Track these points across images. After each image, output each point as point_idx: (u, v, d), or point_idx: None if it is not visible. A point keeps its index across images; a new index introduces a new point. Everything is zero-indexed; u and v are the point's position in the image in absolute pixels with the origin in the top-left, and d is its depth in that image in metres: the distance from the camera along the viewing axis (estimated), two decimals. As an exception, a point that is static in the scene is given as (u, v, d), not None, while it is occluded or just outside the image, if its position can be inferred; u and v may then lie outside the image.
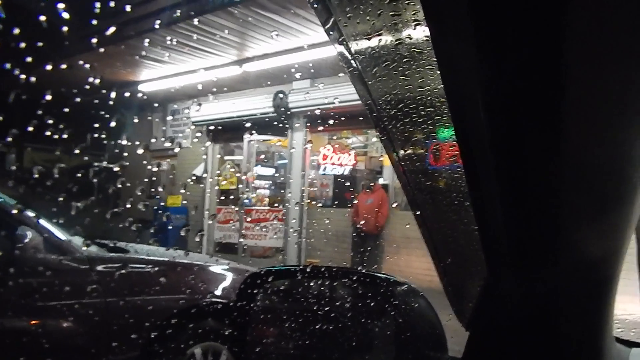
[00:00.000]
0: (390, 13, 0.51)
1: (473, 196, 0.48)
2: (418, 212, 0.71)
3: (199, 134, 10.75)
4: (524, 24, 0.34)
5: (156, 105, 11.34)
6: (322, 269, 0.82)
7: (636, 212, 0.45)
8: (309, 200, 9.21)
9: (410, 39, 0.52)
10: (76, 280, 2.31)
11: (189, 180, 10.84)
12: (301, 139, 9.16)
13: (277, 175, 10.53)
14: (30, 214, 2.26)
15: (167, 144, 11.23)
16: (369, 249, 7.89)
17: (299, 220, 9.03)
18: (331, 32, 0.55)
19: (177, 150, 11.34)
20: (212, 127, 10.38)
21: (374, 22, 0.53)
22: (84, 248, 2.47)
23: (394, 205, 8.27)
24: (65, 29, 8.22)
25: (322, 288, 0.88)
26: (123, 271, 2.51)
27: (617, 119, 0.38)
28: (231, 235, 10.10)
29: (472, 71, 0.38)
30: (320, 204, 9.26)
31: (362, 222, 7.86)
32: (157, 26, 6.85)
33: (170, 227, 9.99)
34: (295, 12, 6.09)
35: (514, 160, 0.41)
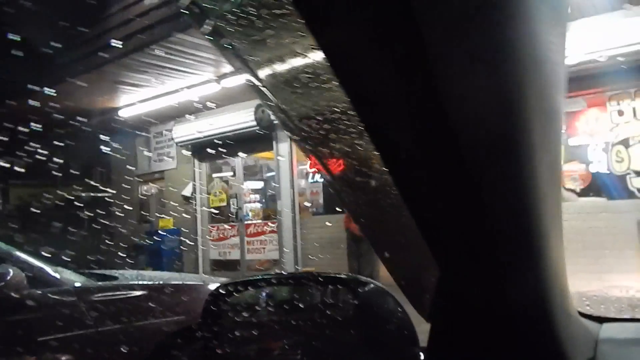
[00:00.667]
0: (289, 41, 0.53)
1: (406, 200, 0.50)
2: (359, 217, 0.73)
3: (186, 153, 10.71)
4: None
5: (134, 131, 11.30)
6: (286, 276, 0.81)
7: (553, 201, 0.49)
8: (301, 210, 9.20)
9: (314, 61, 0.54)
10: (65, 312, 2.27)
11: (176, 203, 10.78)
12: (287, 149, 9.15)
13: (266, 188, 10.51)
14: (12, 250, 2.22)
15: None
16: (364, 253, 7.87)
17: (292, 230, 9.01)
18: (236, 64, 0.58)
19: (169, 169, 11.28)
20: (197, 146, 10.35)
21: (276, 50, 0.55)
22: (72, 279, 2.43)
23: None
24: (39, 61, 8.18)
25: (288, 295, 0.88)
26: (113, 299, 2.48)
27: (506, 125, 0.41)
28: (227, 252, 10.04)
29: (366, 88, 0.41)
30: (312, 212, 9.24)
31: (356, 227, 7.85)
32: (120, 47, 6.84)
33: (164, 250, 9.92)
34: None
35: (435, 171, 0.43)
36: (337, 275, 0.75)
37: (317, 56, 0.53)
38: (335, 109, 0.58)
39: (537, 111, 0.43)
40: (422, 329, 0.64)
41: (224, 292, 0.84)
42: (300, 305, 0.85)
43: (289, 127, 0.62)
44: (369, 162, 0.61)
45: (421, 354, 0.68)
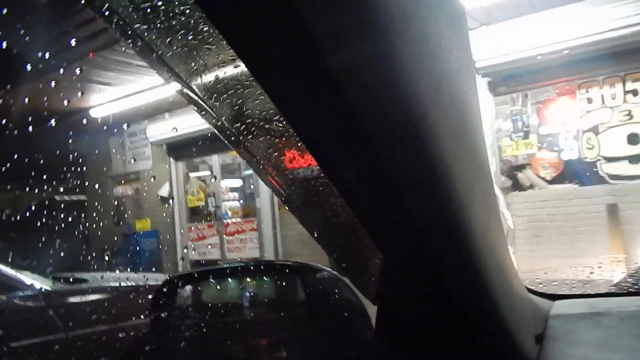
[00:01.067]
0: (213, 53, 0.56)
1: (341, 195, 0.51)
2: (296, 212, 0.74)
3: (161, 153, 10.54)
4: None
5: (107, 131, 11.08)
6: (235, 266, 0.80)
7: (481, 189, 0.51)
8: (280, 207, 9.15)
9: (238, 69, 0.56)
10: (31, 317, 2.20)
11: (153, 203, 10.62)
12: (264, 145, 9.10)
13: (245, 186, 10.43)
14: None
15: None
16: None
17: (272, 227, 8.97)
18: (162, 73, 0.59)
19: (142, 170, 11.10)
20: (172, 145, 10.20)
21: (203, 60, 0.57)
22: (42, 284, 2.35)
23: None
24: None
25: (239, 286, 0.87)
26: (84, 302, 2.41)
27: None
28: (206, 252, 9.95)
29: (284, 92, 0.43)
30: (291, 209, 9.21)
31: None
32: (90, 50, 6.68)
33: (142, 252, 9.78)
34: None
35: (354, 168, 0.45)
36: (286, 263, 0.74)
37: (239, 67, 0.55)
38: (265, 113, 0.60)
39: (440, 105, 0.46)
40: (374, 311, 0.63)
41: (171, 285, 0.82)
42: (248, 296, 0.85)
43: (225, 134, 0.64)
44: (307, 161, 0.63)
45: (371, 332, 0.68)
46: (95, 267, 8.44)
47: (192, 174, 10.57)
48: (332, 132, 0.44)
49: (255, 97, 0.58)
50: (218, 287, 0.84)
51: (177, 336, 0.86)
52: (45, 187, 14.99)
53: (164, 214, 10.43)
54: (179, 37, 0.55)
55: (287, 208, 0.72)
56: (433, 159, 0.46)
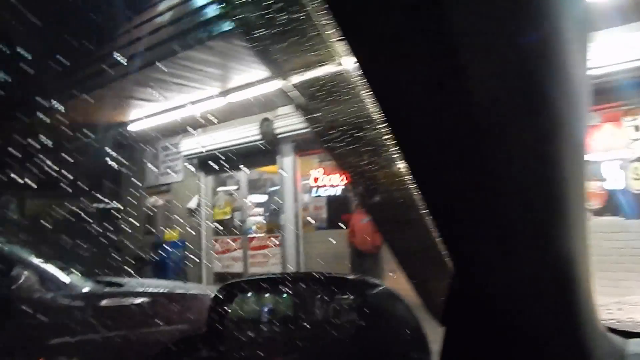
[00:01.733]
0: (321, 46, 0.54)
1: (428, 205, 0.50)
2: (378, 225, 0.73)
3: (191, 167, 10.86)
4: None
5: (142, 145, 11.48)
6: (293, 276, 0.82)
7: (579, 208, 0.47)
8: (304, 224, 9.26)
9: (348, 67, 0.55)
10: (73, 317, 2.38)
11: (182, 215, 10.91)
12: (290, 163, 9.27)
13: (270, 201, 10.61)
14: (26, 255, 2.35)
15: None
16: (368, 268, 7.89)
17: (295, 244, 9.07)
18: (272, 70, 0.60)
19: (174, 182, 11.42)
20: (202, 160, 10.50)
21: (311, 56, 0.55)
22: (81, 285, 2.55)
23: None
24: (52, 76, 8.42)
25: (295, 295, 0.89)
26: (120, 305, 2.58)
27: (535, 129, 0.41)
28: (230, 265, 10.12)
29: (390, 98, 0.41)
30: (315, 227, 9.30)
31: (359, 241, 7.89)
32: (139, 66, 7.04)
33: (169, 262, 10.02)
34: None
35: (458, 173, 0.43)
36: (344, 276, 0.76)
37: (347, 63, 0.55)
38: (361, 118, 0.59)
39: (562, 114, 0.43)
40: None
41: (228, 291, 0.89)
42: (305, 307, 0.88)
43: (318, 134, 0.63)
44: (392, 170, 0.63)
45: None
46: (126, 274, 8.70)
47: (219, 188, 10.83)
48: (441, 137, 0.42)
49: (355, 103, 0.58)
50: (274, 295, 0.89)
51: (231, 344, 0.90)
52: (81, 197, 15.52)
53: (192, 227, 10.69)
54: (289, 35, 0.54)
55: (369, 217, 0.72)
56: (547, 177, 0.43)
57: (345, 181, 9.03)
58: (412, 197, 0.64)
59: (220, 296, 0.89)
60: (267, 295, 0.96)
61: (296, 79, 0.62)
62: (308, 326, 0.89)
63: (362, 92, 0.59)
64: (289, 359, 0.88)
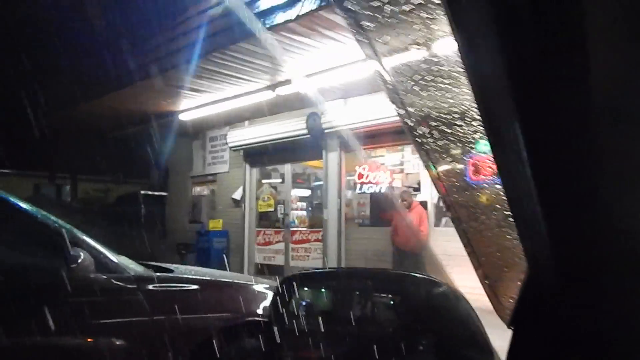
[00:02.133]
0: (422, 28, 0.51)
1: (510, 196, 0.48)
2: (457, 222, 0.71)
3: (237, 158, 11.02)
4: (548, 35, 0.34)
5: (192, 134, 11.73)
6: (358, 270, 0.81)
7: None
8: (347, 220, 9.22)
9: (443, 53, 0.53)
10: (125, 298, 2.43)
11: (226, 205, 11.09)
12: (336, 159, 9.23)
13: (313, 196, 10.63)
14: (83, 236, 2.41)
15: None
16: (409, 267, 7.78)
17: (337, 240, 9.04)
18: (366, 50, 0.57)
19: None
20: (249, 152, 10.63)
21: (407, 37, 0.53)
22: (133, 268, 2.59)
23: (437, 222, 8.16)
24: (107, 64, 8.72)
25: (358, 290, 0.87)
26: (168, 290, 2.62)
27: None
28: (271, 257, 10.22)
29: (503, 84, 0.38)
30: (358, 223, 9.24)
31: (402, 240, 7.78)
32: (193, 58, 7.16)
33: (212, 250, 10.23)
34: (323, 34, 6.24)
35: (551, 165, 0.42)
36: (409, 274, 0.76)
37: (442, 50, 0.52)
38: (454, 111, 0.57)
39: None
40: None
41: (291, 282, 0.87)
42: (367, 303, 0.86)
43: (407, 124, 0.61)
44: (479, 166, 0.61)
45: None
46: (171, 260, 8.92)
47: (264, 181, 10.94)
48: (545, 137, 0.40)
49: (454, 89, 0.55)
50: (336, 289, 0.86)
51: (292, 336, 0.88)
52: (131, 182, 16.15)
53: (235, 217, 10.87)
54: (384, 10, 0.52)
55: (449, 215, 0.71)
56: None
57: (390, 179, 8.95)
58: (495, 197, 0.61)
59: (283, 287, 0.86)
60: (329, 289, 0.93)
61: (393, 62, 0.58)
62: (370, 322, 0.86)
63: (461, 83, 0.55)
64: (350, 354, 0.85)
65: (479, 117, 0.55)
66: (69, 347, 2.26)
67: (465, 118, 0.58)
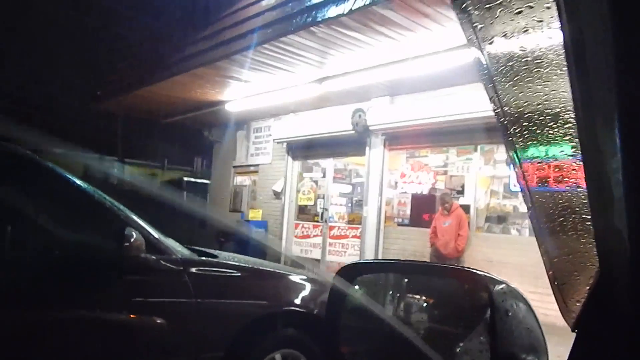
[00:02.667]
0: (529, 13, 0.48)
1: (594, 202, 0.47)
2: (536, 223, 0.69)
3: (280, 150, 11.11)
4: None
5: (237, 125, 11.91)
6: (418, 264, 0.80)
7: None
8: (386, 219, 9.15)
9: (545, 48, 0.50)
10: (172, 280, 2.49)
11: (267, 196, 11.21)
12: (379, 156, 9.15)
13: (353, 192, 10.60)
14: (135, 217, 2.48)
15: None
16: (447, 270, 7.63)
17: (375, 237, 8.99)
18: (468, 34, 0.54)
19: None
20: (292, 145, 10.70)
21: (511, 22, 0.50)
22: (180, 250, 2.65)
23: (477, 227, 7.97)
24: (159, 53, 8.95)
25: (415, 286, 0.86)
26: (212, 274, 2.67)
27: None
28: (308, 250, 10.27)
29: (610, 81, 0.36)
30: (397, 223, 9.16)
31: (440, 243, 7.66)
32: (243, 49, 7.25)
33: (251, 240, 10.38)
34: (375, 30, 6.18)
35: None
36: (470, 270, 0.74)
37: (545, 40, 0.49)
38: (547, 111, 0.55)
39: None
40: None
41: (353, 269, 0.87)
42: (427, 298, 0.85)
43: (499, 116, 0.59)
44: (566, 168, 0.59)
45: None
46: (211, 247, 9.12)
47: (305, 174, 10.99)
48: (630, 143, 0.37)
49: (556, 83, 0.52)
50: (395, 282, 0.86)
51: (349, 328, 0.88)
52: (175, 169, 16.62)
53: (275, 208, 10.98)
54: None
55: (528, 213, 0.69)
56: None
57: (433, 180, 8.81)
58: (575, 201, 0.60)
59: (341, 277, 0.85)
60: (387, 281, 0.92)
61: (491, 48, 0.55)
62: (428, 318, 0.85)
63: (558, 82, 0.51)
64: (407, 348, 0.84)
65: (570, 120, 0.53)
66: (118, 323, 2.34)
67: (558, 120, 0.55)
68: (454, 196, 8.54)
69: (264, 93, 9.26)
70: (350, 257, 9.44)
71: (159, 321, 2.46)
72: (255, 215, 11.11)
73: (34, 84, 13.28)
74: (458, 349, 0.77)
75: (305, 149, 10.51)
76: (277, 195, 10.98)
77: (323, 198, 10.38)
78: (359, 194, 10.05)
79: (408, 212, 9.02)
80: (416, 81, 7.70)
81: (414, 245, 8.55)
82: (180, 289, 2.49)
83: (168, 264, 2.48)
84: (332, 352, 0.85)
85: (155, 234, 2.56)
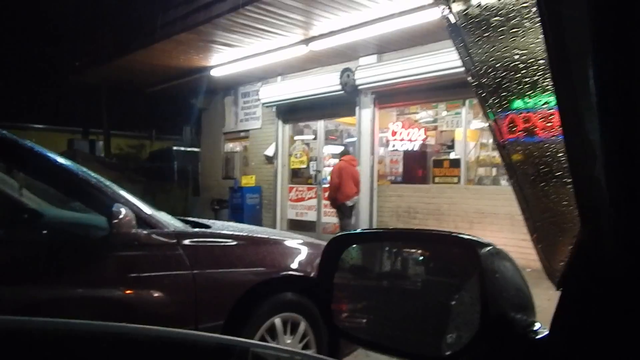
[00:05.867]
0: None
1: (572, 153, 0.47)
2: (518, 189, 0.70)
3: (270, 114, 10.98)
4: None
5: (224, 90, 11.69)
6: (403, 232, 0.80)
7: None
8: (379, 177, 9.17)
9: (515, 3, 0.51)
10: (165, 253, 2.47)
11: (259, 161, 11.15)
12: (369, 116, 9.08)
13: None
14: (123, 192, 2.44)
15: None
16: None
17: (369, 196, 9.03)
18: None
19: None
20: (281, 108, 10.57)
21: None
22: (172, 223, 2.63)
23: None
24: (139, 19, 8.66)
25: (402, 252, 0.87)
26: (207, 245, 2.66)
27: None
28: (303, 213, 10.32)
29: (583, 32, 0.36)
30: (390, 180, 9.19)
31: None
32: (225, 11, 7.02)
33: (245, 206, 10.41)
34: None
35: (623, 124, 0.40)
36: (456, 235, 0.74)
37: None
38: (518, 63, 0.55)
39: None
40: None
41: (338, 243, 0.86)
42: (414, 264, 0.85)
43: (472, 74, 0.59)
44: (540, 122, 0.59)
45: (536, 323, 0.66)
46: (205, 215, 9.13)
47: (296, 137, 10.91)
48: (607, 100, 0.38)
49: (525, 38, 0.52)
50: (383, 251, 0.86)
51: (343, 300, 0.89)
52: (164, 138, 16.44)
53: (268, 173, 10.96)
54: None
55: (506, 174, 0.70)
56: None
57: (423, 136, 8.78)
58: (553, 160, 0.61)
59: (331, 247, 0.85)
60: (376, 249, 0.92)
61: (461, 6, 0.55)
62: (415, 283, 0.87)
63: (529, 32, 0.51)
64: (393, 312, 0.86)
65: (542, 71, 0.53)
66: (113, 299, 2.34)
67: (529, 71, 0.55)
68: (445, 151, 8.57)
69: (250, 57, 9.05)
70: (345, 217, 9.51)
71: (156, 295, 2.46)
72: (248, 181, 11.09)
73: (7, 57, 12.89)
74: (453, 302, 0.79)
75: (295, 112, 10.39)
76: (270, 159, 10.93)
77: (315, 160, 10.35)
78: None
79: (400, 169, 9.04)
80: (403, 37, 7.54)
81: (407, 202, 8.62)
82: (175, 262, 2.48)
83: (161, 238, 2.46)
84: (323, 311, 0.86)
85: (145, 208, 2.52)
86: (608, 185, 0.45)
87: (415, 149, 8.81)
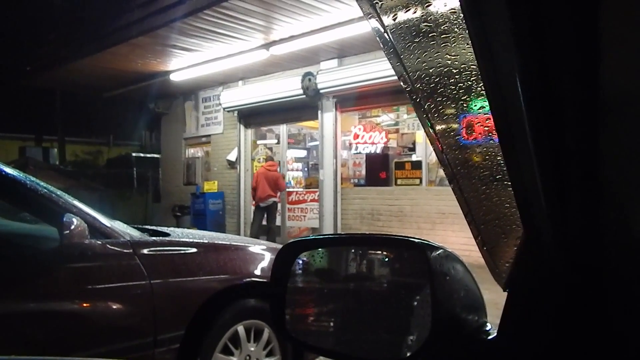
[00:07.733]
0: None
1: (508, 156, 0.48)
2: (459, 193, 0.71)
3: (232, 119, 10.87)
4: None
5: (184, 95, 11.51)
6: (357, 236, 0.80)
7: None
8: (342, 180, 9.22)
9: (444, 10, 0.52)
10: (121, 263, 2.40)
11: (221, 167, 11.02)
12: (331, 119, 9.13)
13: (309, 156, 10.59)
14: (74, 201, 2.35)
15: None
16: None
17: (333, 200, 9.07)
18: (364, 7, 0.56)
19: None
20: (243, 112, 10.48)
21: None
22: (128, 232, 2.56)
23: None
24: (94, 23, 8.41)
25: (356, 257, 0.87)
26: (165, 254, 2.59)
27: None
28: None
29: (507, 39, 0.38)
30: (353, 183, 9.26)
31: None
32: (183, 15, 6.91)
33: (208, 212, 10.25)
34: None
35: (551, 129, 0.41)
36: (408, 238, 0.74)
37: (450, 4, 0.51)
38: (450, 70, 0.56)
39: None
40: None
41: (292, 248, 0.85)
42: (366, 269, 0.85)
43: (404, 84, 0.61)
44: (476, 126, 0.61)
45: (487, 324, 0.67)
46: (166, 223, 8.93)
47: (259, 142, 10.85)
48: (536, 105, 0.39)
49: (453, 47, 0.54)
50: (337, 256, 0.85)
51: (298, 306, 0.88)
52: (122, 144, 15.96)
53: (231, 178, 10.83)
54: None
55: (446, 178, 0.71)
56: None
57: (385, 139, 8.90)
58: (492, 162, 0.62)
59: (283, 254, 0.84)
60: (329, 254, 0.92)
61: (390, 19, 0.57)
62: (370, 287, 0.87)
63: (459, 40, 0.53)
64: (348, 318, 0.86)
65: (475, 76, 0.55)
66: (66, 312, 2.25)
67: (464, 77, 0.56)
68: (407, 153, 8.72)
69: (210, 61, 8.94)
70: (309, 221, 9.52)
71: (112, 307, 2.38)
72: (210, 187, 10.94)
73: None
74: (415, 303, 0.80)
75: (258, 116, 10.33)
76: (232, 164, 10.82)
77: (279, 164, 10.31)
78: (315, 157, 10.05)
79: (363, 172, 9.13)
80: (363, 42, 7.62)
81: (371, 204, 8.71)
82: (131, 272, 2.41)
83: (115, 248, 2.38)
84: (275, 319, 0.85)
85: (99, 217, 2.44)
86: (543, 187, 0.46)
87: (378, 151, 8.92)
